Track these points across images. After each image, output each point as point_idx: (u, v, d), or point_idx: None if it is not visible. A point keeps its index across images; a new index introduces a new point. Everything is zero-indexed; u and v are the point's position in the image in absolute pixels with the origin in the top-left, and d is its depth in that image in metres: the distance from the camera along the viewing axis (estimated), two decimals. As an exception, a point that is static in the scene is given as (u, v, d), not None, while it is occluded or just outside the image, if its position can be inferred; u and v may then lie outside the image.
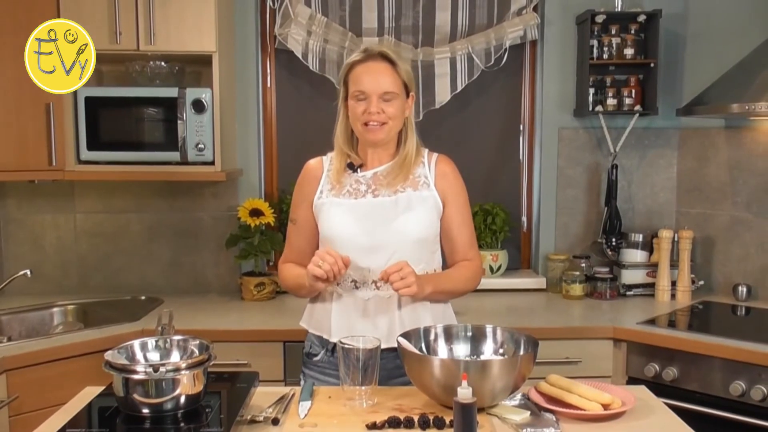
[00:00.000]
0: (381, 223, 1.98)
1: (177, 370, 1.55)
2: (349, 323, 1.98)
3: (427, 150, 2.12)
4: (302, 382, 2.07)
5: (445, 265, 2.12)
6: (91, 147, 2.88)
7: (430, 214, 2.02)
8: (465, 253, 2.08)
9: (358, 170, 2.06)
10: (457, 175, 2.09)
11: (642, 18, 3.10)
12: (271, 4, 3.23)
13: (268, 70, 3.34)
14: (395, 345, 1.84)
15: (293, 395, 1.82)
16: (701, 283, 3.16)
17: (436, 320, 1.99)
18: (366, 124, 1.97)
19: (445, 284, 2.04)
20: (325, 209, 2.04)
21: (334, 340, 1.99)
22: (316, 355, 2.08)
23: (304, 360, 2.13)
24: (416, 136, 2.08)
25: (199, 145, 2.87)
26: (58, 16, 2.72)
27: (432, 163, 2.07)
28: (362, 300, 1.99)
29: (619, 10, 3.13)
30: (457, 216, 2.06)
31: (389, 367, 1.92)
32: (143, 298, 3.16)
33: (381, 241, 1.97)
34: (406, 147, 2.05)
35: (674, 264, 3.10)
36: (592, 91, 3.16)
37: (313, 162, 2.14)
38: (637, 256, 3.20)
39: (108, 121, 2.90)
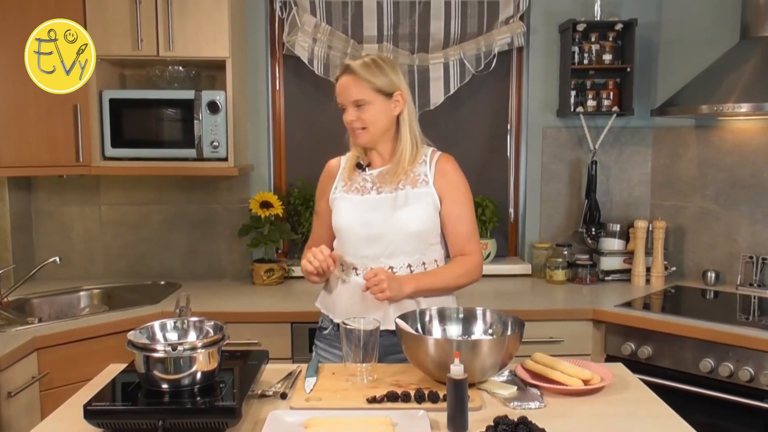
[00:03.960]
0: (380, 216, 1.98)
1: (193, 348, 1.54)
2: (352, 305, 1.99)
3: (432, 149, 2.08)
4: (313, 354, 2.10)
5: (449, 258, 2.09)
6: (115, 144, 2.88)
7: (426, 210, 1.98)
8: (462, 246, 2.03)
9: (366, 169, 2.06)
10: (457, 173, 2.04)
11: (619, 26, 3.09)
12: (280, 13, 3.22)
13: (277, 74, 3.33)
14: (391, 327, 1.84)
15: (300, 372, 1.82)
16: (673, 269, 3.16)
17: (429, 304, 1.97)
18: (352, 130, 2.00)
19: (430, 282, 1.98)
20: (337, 203, 2.05)
21: (337, 320, 2.01)
22: (325, 329, 2.11)
23: (317, 333, 2.15)
24: (414, 135, 2.03)
25: (214, 143, 2.86)
26: (84, 24, 2.70)
27: (433, 161, 2.03)
28: (362, 285, 1.98)
29: (599, 19, 3.12)
30: (455, 211, 2.01)
31: (385, 344, 1.91)
32: (163, 282, 3.16)
33: (379, 233, 1.97)
34: (400, 146, 2.02)
35: (649, 251, 3.09)
36: (573, 93, 3.15)
37: (332, 161, 2.16)
38: (614, 244, 3.19)
39: (130, 121, 2.89)
